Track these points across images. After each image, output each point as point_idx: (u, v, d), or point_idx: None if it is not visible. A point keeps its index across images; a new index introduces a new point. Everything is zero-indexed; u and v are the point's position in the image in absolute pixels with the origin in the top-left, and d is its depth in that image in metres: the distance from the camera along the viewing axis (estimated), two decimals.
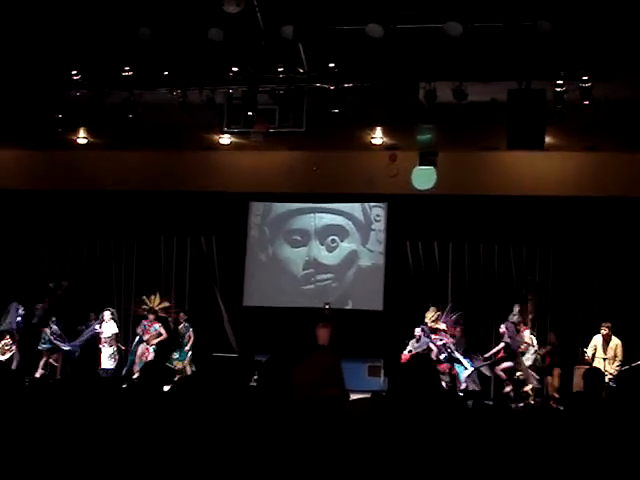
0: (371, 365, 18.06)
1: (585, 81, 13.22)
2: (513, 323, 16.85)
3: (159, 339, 18.10)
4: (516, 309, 16.96)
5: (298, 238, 18.41)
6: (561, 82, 13.35)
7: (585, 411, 5.58)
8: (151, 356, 17.57)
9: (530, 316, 16.98)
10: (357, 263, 18.28)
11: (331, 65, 13.88)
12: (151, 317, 18.27)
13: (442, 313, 17.19)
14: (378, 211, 18.09)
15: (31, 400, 5.65)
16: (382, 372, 17.92)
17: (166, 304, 18.81)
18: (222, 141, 17.65)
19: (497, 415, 5.89)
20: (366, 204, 18.48)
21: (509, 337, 16.56)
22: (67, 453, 4.82)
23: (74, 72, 14.46)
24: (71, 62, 14.38)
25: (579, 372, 14.55)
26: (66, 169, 19.42)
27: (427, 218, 18.60)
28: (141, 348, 18.01)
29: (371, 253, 18.18)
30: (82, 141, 18.14)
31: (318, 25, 13.24)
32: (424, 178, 17.08)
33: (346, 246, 18.37)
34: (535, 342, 16.67)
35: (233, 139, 17.44)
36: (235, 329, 19.32)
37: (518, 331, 16.71)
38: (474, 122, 15.20)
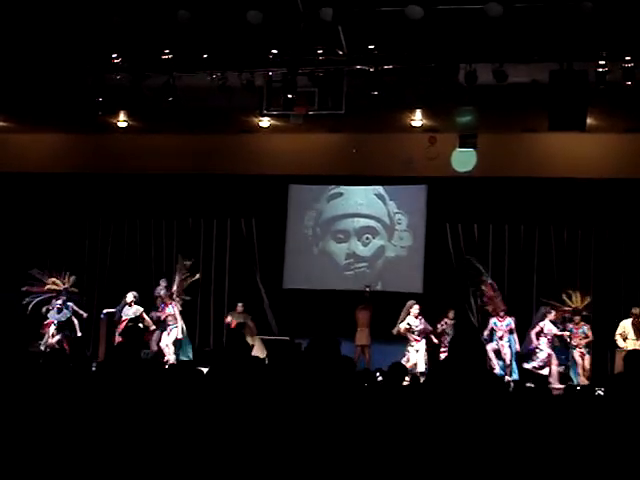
0: None
1: (628, 61, 13.08)
2: None
3: (586, 341, 16.62)
4: None
5: (341, 236, 20.03)
6: (603, 63, 13.19)
7: (626, 393, 5.55)
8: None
9: None
10: (384, 255, 19.74)
11: (371, 47, 13.82)
12: (577, 319, 16.66)
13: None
14: (399, 217, 19.67)
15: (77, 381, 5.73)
16: None
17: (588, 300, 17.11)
18: (261, 124, 17.67)
19: (538, 398, 5.88)
20: (391, 211, 19.81)
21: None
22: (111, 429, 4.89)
23: (114, 55, 14.53)
24: (111, 45, 14.45)
25: (620, 355, 14.43)
26: (106, 152, 19.53)
27: (467, 200, 18.53)
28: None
29: (395, 247, 19.68)
30: (122, 124, 18.20)
31: (357, 6, 13.20)
32: (464, 160, 16.99)
33: (376, 242, 19.85)
34: None
35: (272, 122, 17.45)
36: (275, 311, 19.42)
37: None
38: (514, 104, 15.08)
